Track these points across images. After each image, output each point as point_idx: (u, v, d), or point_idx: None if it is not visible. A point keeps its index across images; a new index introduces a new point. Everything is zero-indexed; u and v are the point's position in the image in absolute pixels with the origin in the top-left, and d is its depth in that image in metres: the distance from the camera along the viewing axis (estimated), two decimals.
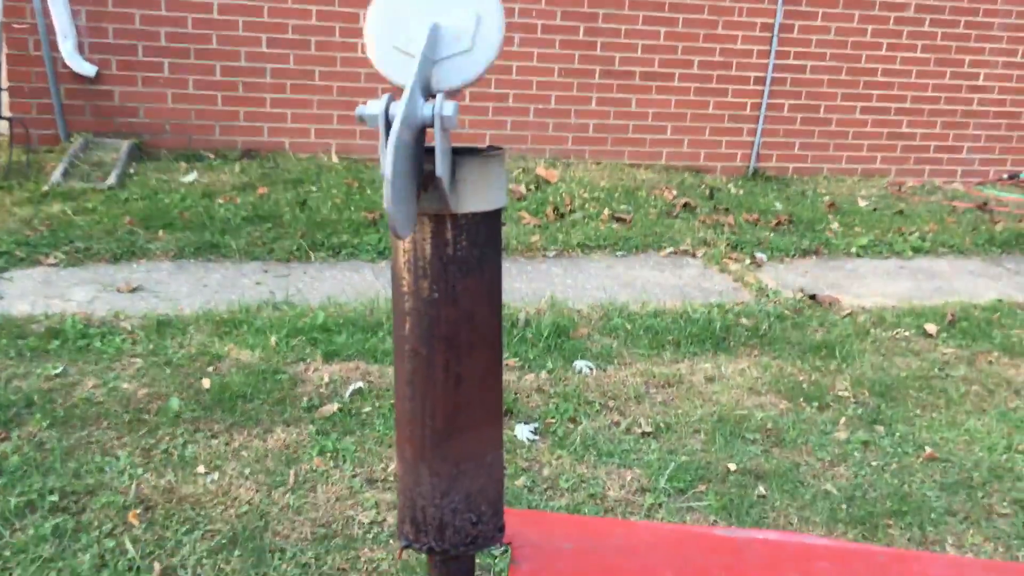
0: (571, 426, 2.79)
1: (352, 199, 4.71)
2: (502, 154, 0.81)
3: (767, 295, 4.04)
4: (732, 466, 2.64)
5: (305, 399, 2.77)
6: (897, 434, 2.91)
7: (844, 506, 2.49)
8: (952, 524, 2.46)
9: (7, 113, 4.93)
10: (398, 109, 0.67)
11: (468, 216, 0.78)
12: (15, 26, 4.97)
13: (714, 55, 5.95)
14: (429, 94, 0.77)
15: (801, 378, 3.25)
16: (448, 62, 0.77)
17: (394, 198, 0.64)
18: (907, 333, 3.72)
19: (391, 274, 0.82)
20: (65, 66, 5.09)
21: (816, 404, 3.07)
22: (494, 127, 5.74)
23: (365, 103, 0.72)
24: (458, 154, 0.77)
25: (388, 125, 0.72)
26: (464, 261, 0.78)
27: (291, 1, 5.28)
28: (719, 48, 5.93)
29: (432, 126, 0.72)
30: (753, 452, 2.74)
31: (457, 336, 0.79)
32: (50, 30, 5.00)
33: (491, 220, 0.80)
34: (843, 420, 2.98)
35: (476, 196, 0.78)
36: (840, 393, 3.15)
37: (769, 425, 2.90)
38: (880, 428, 2.94)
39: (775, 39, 5.95)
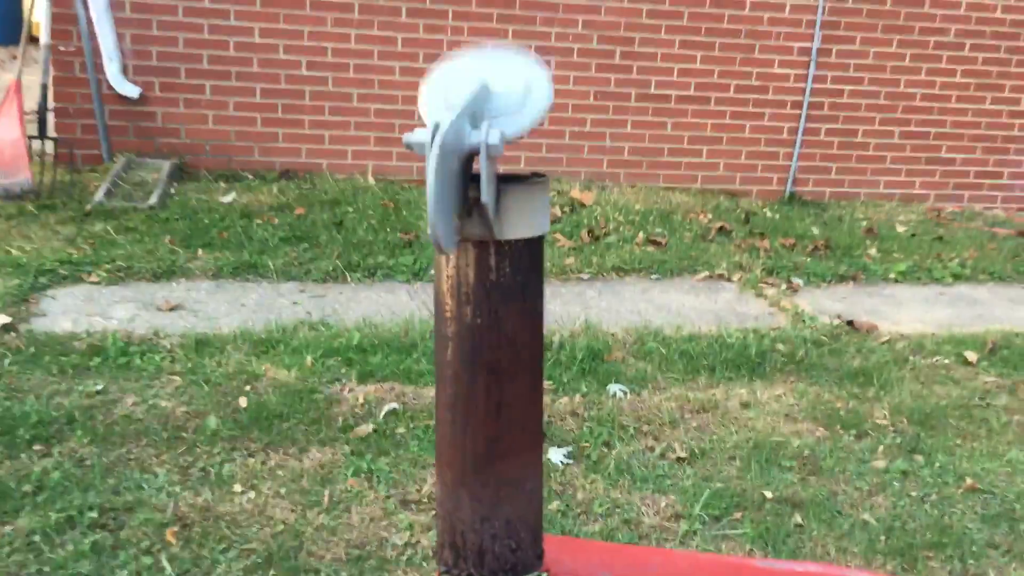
0: (605, 450, 2.78)
1: (388, 220, 4.75)
2: (546, 181, 0.82)
3: (803, 321, 4.00)
4: (768, 494, 2.62)
5: (340, 419, 2.79)
6: (937, 464, 2.87)
7: (883, 537, 2.46)
8: (994, 557, 2.42)
9: (52, 134, 5.03)
10: (440, 131, 0.68)
11: (511, 243, 0.79)
12: (61, 49, 5.09)
13: (751, 79, 5.94)
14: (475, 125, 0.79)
15: (838, 405, 3.22)
16: (497, 119, 0.80)
17: (435, 215, 0.66)
18: (947, 361, 3.67)
19: (434, 299, 0.83)
20: (110, 88, 5.19)
21: (854, 432, 3.03)
22: (529, 149, 5.77)
23: (410, 130, 0.74)
24: (503, 181, 0.79)
25: None
26: (507, 287, 0.79)
27: (331, 25, 5.36)
28: (756, 72, 5.93)
29: (478, 153, 0.74)
30: (789, 480, 2.71)
31: (499, 362, 0.80)
32: (96, 53, 5.11)
33: (534, 247, 0.81)
34: (881, 449, 2.94)
35: (519, 223, 0.79)
36: (878, 421, 3.12)
37: (806, 452, 2.87)
38: (919, 458, 2.90)
39: (813, 63, 5.93)
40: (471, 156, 0.74)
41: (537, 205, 0.80)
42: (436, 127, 0.68)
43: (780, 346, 3.66)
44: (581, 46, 5.68)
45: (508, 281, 0.78)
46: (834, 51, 5.97)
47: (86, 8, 5.03)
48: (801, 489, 2.67)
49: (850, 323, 3.99)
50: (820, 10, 5.83)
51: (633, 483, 2.62)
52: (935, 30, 6.05)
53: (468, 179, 0.76)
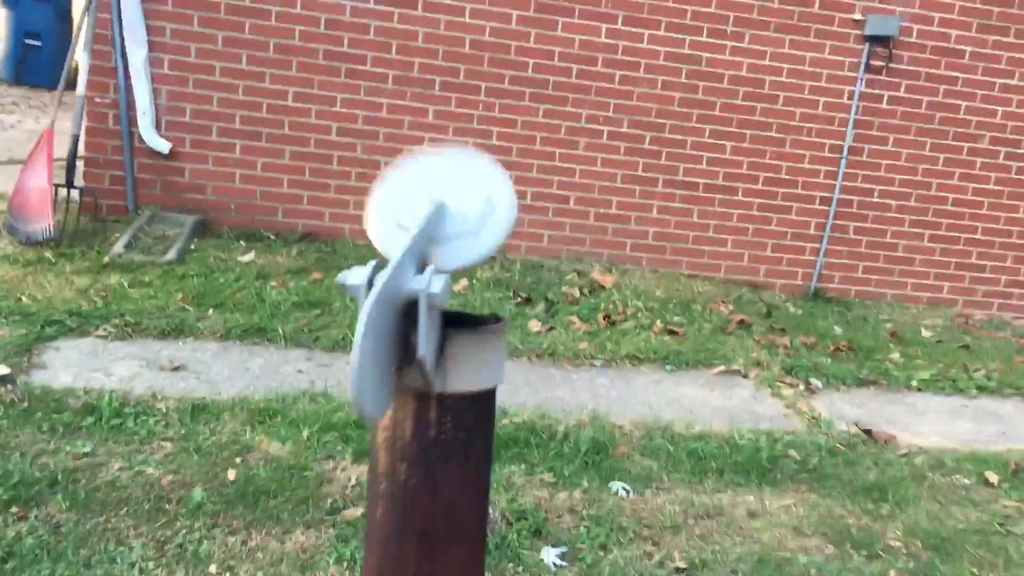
0: (601, 554, 2.67)
1: None
2: (500, 330, 0.75)
3: (819, 426, 3.87)
4: None
5: (329, 500, 2.70)
6: None
7: None
8: None
9: (80, 183, 5.07)
10: (379, 282, 0.61)
11: (455, 396, 0.71)
12: (97, 100, 5.16)
13: (780, 172, 5.90)
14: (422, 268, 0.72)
15: (850, 521, 3.08)
16: (451, 243, 0.73)
17: (359, 379, 0.58)
18: (966, 480, 3.52)
19: (369, 450, 0.75)
20: (141, 141, 5.24)
21: (865, 552, 2.89)
22: (553, 228, 5.74)
23: (350, 268, 0.67)
24: (451, 325, 0.72)
25: None
26: (447, 445, 0.71)
27: (363, 93, 5.40)
28: (785, 166, 5.89)
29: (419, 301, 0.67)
30: None
31: (434, 529, 0.72)
32: (131, 106, 5.17)
33: (482, 401, 0.73)
34: (893, 573, 2.79)
35: (466, 375, 0.71)
36: (891, 542, 2.97)
37: (812, 571, 2.73)
38: None
39: (844, 161, 5.88)
40: (410, 302, 0.67)
41: (488, 356, 0.72)
42: (374, 271, 0.62)
43: (793, 452, 3.53)
44: (611, 129, 5.68)
45: (449, 439, 0.70)
46: (866, 150, 5.93)
47: (125, 62, 5.11)
48: None
49: (868, 432, 3.85)
50: (854, 109, 5.80)
51: None
52: (970, 136, 6.00)
53: (407, 325, 0.69)
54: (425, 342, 0.65)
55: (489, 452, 0.74)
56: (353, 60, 5.37)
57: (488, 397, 0.74)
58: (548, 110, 5.59)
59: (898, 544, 2.97)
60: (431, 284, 0.65)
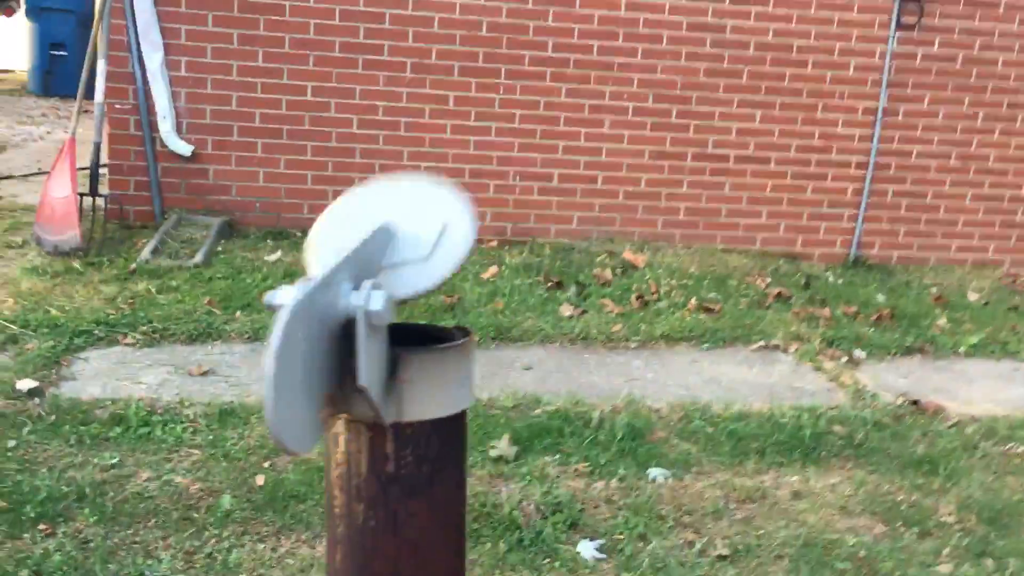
0: (640, 544, 2.59)
1: None
2: (467, 344, 0.66)
3: (864, 399, 3.75)
4: None
5: None
6: (1009, 570, 2.60)
7: None
8: None
9: (104, 190, 5.07)
10: (296, 295, 0.53)
11: (415, 425, 0.63)
12: (117, 107, 5.14)
13: (813, 139, 5.73)
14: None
15: (900, 498, 2.97)
16: (399, 270, 0.64)
17: (275, 409, 0.50)
18: (1021, 449, 3.38)
19: (325, 488, 0.67)
20: (163, 145, 5.22)
21: (916, 530, 2.78)
22: (582, 209, 5.63)
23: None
24: (406, 343, 0.63)
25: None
26: (409, 481, 0.62)
27: (383, 83, 5.33)
28: (818, 132, 5.72)
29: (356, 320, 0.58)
30: None
31: (399, 574, 0.64)
32: (151, 111, 5.15)
33: (448, 428, 0.65)
34: (947, 550, 2.68)
35: (425, 401, 0.62)
36: (944, 518, 2.86)
37: (862, 553, 2.63)
38: (989, 562, 2.64)
39: (878, 123, 5.70)
40: (346, 322, 0.59)
41: (452, 376, 0.64)
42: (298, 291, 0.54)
43: (837, 427, 3.42)
44: (636, 104, 5.55)
45: (411, 473, 0.62)
46: (901, 110, 5.73)
47: (142, 67, 5.09)
48: None
49: (915, 403, 3.72)
50: (886, 69, 5.61)
51: None
52: (1009, 90, 5.78)
53: (345, 350, 0.60)
54: (366, 368, 0.57)
55: (461, 483, 0.66)
56: (370, 51, 5.29)
57: (455, 422, 0.65)
58: (570, 89, 5.47)
59: (951, 519, 2.85)
60: (370, 300, 0.57)
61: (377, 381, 0.59)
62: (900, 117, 5.75)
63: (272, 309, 0.58)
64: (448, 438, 0.64)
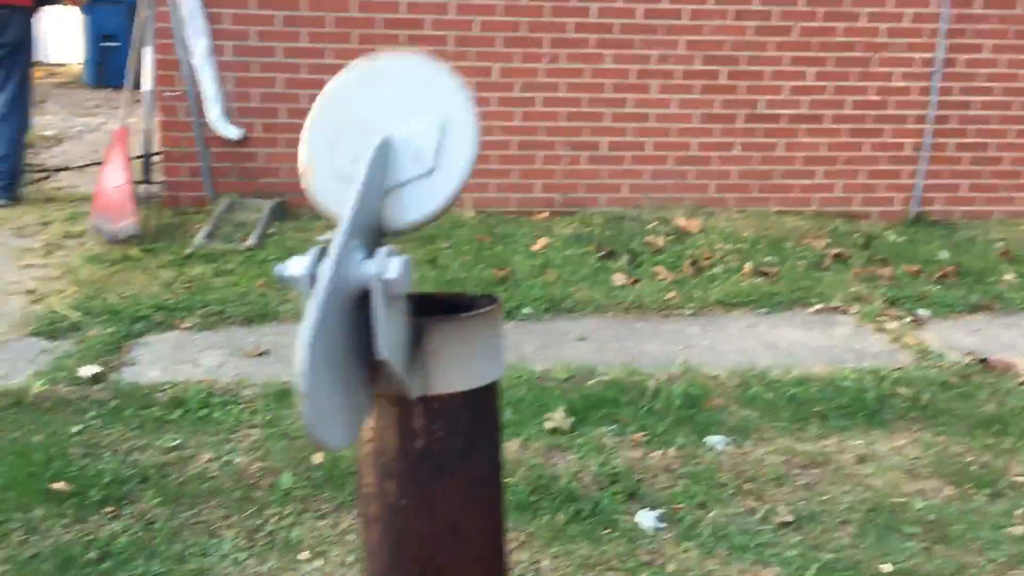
0: (700, 513, 2.55)
1: (483, 255, 4.63)
2: (494, 312, 0.62)
3: (929, 359, 3.65)
4: (887, 567, 2.33)
5: None
6: None
7: None
8: None
9: (157, 178, 5.13)
10: (323, 273, 0.50)
11: (444, 398, 0.59)
12: (166, 94, 5.20)
13: (868, 94, 5.56)
14: (376, 240, 0.59)
15: (969, 459, 2.88)
16: (404, 190, 0.60)
17: (312, 403, 0.47)
18: None
19: (357, 465, 0.64)
20: (213, 131, 5.27)
21: (987, 491, 2.70)
22: (631, 176, 5.56)
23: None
24: (431, 313, 0.60)
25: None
26: (440, 457, 0.59)
27: None
28: (874, 86, 5.55)
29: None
30: (912, 549, 2.42)
31: (436, 555, 0.61)
32: (199, 97, 5.20)
33: (479, 400, 0.61)
34: (1020, 511, 2.60)
35: (453, 372, 0.59)
36: (1015, 478, 2.77)
37: (931, 516, 2.56)
38: None
39: (937, 75, 5.51)
40: (364, 292, 0.56)
41: (480, 346, 0.60)
42: (316, 258, 0.51)
43: (902, 389, 3.33)
44: (684, 68, 5.44)
45: (442, 449, 0.59)
46: (960, 60, 5.53)
47: (189, 54, 5.13)
48: (925, 560, 2.37)
49: (983, 361, 3.60)
50: (944, 18, 5.41)
51: (731, 552, 2.38)
52: None
53: (363, 322, 0.57)
54: (386, 340, 0.53)
55: (496, 458, 0.62)
56: (412, 25, 5.26)
57: (486, 394, 0.62)
58: (615, 55, 5.38)
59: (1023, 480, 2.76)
60: (386, 269, 0.54)
61: (399, 353, 0.56)
62: (959, 67, 5.55)
63: (283, 283, 0.55)
64: (480, 411, 0.61)
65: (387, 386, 0.59)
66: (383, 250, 0.56)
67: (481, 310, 0.62)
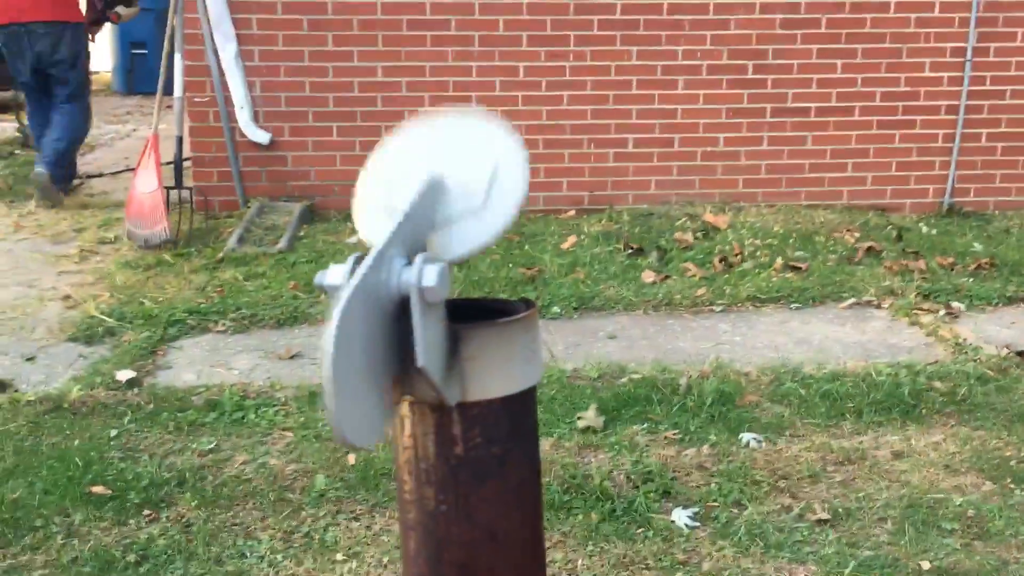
0: (735, 511, 2.54)
1: (511, 254, 4.63)
2: (531, 317, 0.62)
3: (965, 352, 3.60)
4: (926, 564, 2.31)
5: None
6: None
7: None
8: None
9: (189, 183, 5.19)
10: (349, 276, 0.51)
11: (482, 404, 0.60)
12: (196, 100, 5.25)
13: (899, 85, 5.50)
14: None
15: (1008, 453, 2.84)
16: (454, 225, 0.61)
17: (337, 402, 0.48)
18: None
19: (394, 471, 0.65)
20: (242, 135, 5.32)
21: None
22: (659, 173, 5.54)
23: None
24: (466, 319, 0.60)
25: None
26: (479, 464, 0.59)
27: (452, 59, 5.31)
28: (904, 77, 5.49)
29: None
30: (951, 546, 2.39)
31: (475, 561, 0.61)
32: (228, 102, 5.25)
33: (517, 406, 0.61)
34: None
35: (490, 379, 0.59)
36: None
37: (970, 512, 2.53)
38: None
39: (968, 64, 5.44)
40: (401, 301, 0.56)
41: (517, 351, 0.60)
42: (355, 266, 0.52)
43: (938, 384, 3.29)
44: (710, 63, 5.41)
45: (481, 455, 0.59)
46: (992, 49, 5.46)
47: (217, 59, 5.18)
48: (965, 557, 2.34)
49: (1020, 353, 3.55)
50: (974, 6, 5.34)
51: (767, 550, 2.37)
52: None
53: (402, 329, 0.58)
54: (424, 347, 0.54)
55: (535, 464, 0.63)
56: (437, 26, 5.28)
57: (524, 400, 0.62)
58: (641, 51, 5.36)
59: None
60: (423, 276, 0.54)
61: (437, 360, 0.56)
62: (991, 56, 5.47)
63: (323, 291, 0.56)
64: (518, 417, 0.61)
65: (425, 394, 0.59)
66: (420, 257, 0.56)
67: (518, 315, 0.62)
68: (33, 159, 6.15)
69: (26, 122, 6.79)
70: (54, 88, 5.69)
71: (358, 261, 0.56)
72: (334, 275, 0.56)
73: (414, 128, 0.69)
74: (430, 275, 0.55)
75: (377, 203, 0.64)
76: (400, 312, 0.56)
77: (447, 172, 0.63)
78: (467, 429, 0.60)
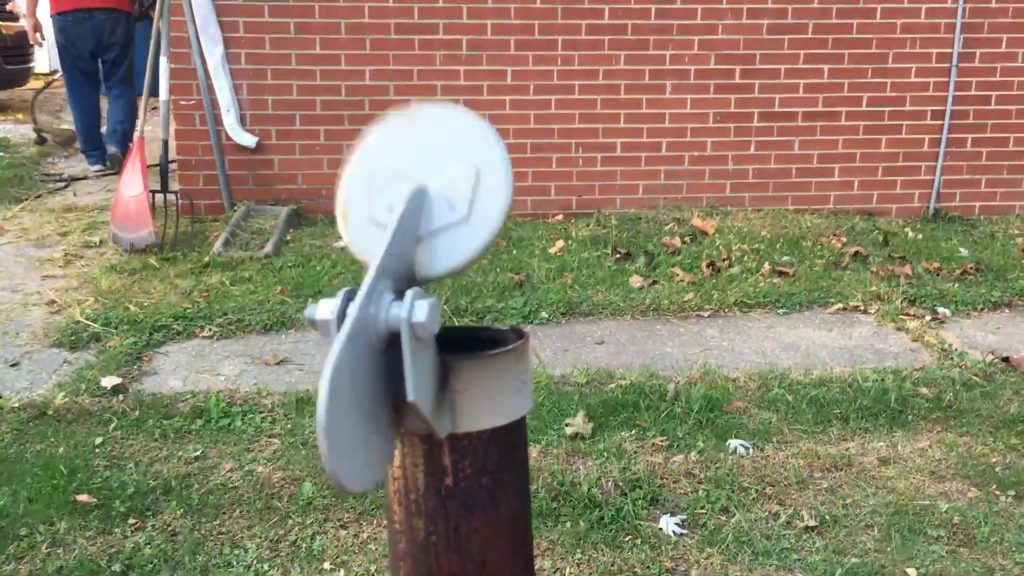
0: (723, 518, 2.54)
1: (499, 259, 4.63)
2: (522, 347, 0.62)
3: (951, 358, 3.62)
4: (912, 571, 2.32)
5: None
6: None
7: None
8: None
9: (175, 186, 5.16)
10: (349, 315, 0.50)
11: (472, 436, 0.59)
12: (182, 103, 5.23)
13: (885, 90, 5.53)
14: (407, 286, 0.59)
15: (994, 460, 2.86)
16: (438, 238, 0.60)
17: (332, 445, 0.47)
18: None
19: (385, 501, 0.65)
20: (228, 138, 5.29)
21: (1013, 492, 2.68)
22: (647, 177, 5.54)
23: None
24: (455, 350, 0.59)
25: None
26: (469, 494, 0.59)
27: (439, 63, 5.31)
28: (890, 83, 5.51)
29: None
30: (937, 553, 2.40)
31: None
32: (214, 105, 5.23)
33: (507, 436, 0.61)
34: None
35: (481, 411, 0.59)
36: None
37: (956, 519, 2.54)
38: None
39: (954, 69, 5.47)
40: (390, 335, 0.56)
41: (507, 382, 0.60)
42: (345, 301, 0.51)
43: (924, 389, 3.31)
44: (698, 67, 5.42)
45: (471, 486, 0.59)
46: (977, 55, 5.49)
47: (203, 62, 5.16)
48: (951, 564, 2.35)
49: (1006, 359, 3.58)
50: (960, 12, 5.37)
51: (754, 557, 2.37)
52: None
53: (394, 362, 0.57)
54: (414, 383, 0.53)
55: (524, 493, 0.63)
56: (425, 30, 5.27)
57: (514, 430, 0.62)
58: (629, 56, 5.37)
59: None
60: (413, 312, 0.54)
61: (428, 394, 0.55)
62: (976, 62, 5.51)
63: (313, 325, 0.55)
64: (508, 448, 0.61)
65: (415, 426, 0.59)
66: (411, 292, 0.56)
67: (509, 347, 0.62)
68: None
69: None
70: (108, 71, 6.41)
71: (348, 297, 0.55)
72: (323, 310, 0.55)
73: (392, 122, 0.68)
74: (421, 311, 0.54)
75: (360, 214, 0.63)
76: (388, 346, 0.56)
77: (429, 180, 0.62)
78: (457, 460, 0.59)
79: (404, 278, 0.60)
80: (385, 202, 0.62)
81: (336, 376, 0.49)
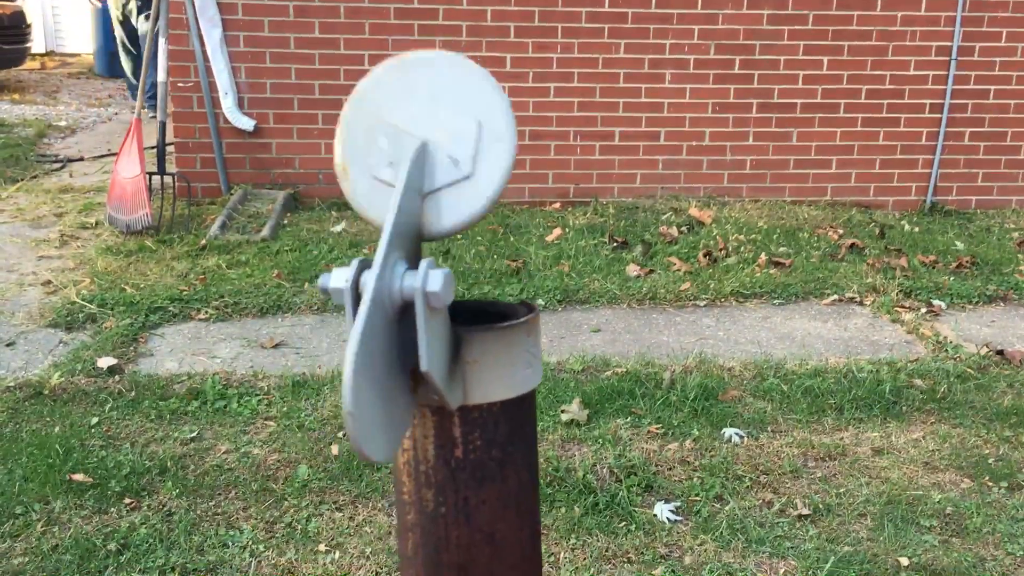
0: (717, 505, 2.55)
1: (496, 246, 4.63)
2: (533, 321, 0.62)
3: (946, 350, 3.63)
4: (904, 560, 2.33)
5: None
6: None
7: None
8: None
9: (172, 169, 5.15)
10: (367, 285, 0.50)
11: (482, 408, 0.59)
12: (180, 85, 5.21)
13: (884, 83, 5.53)
14: (416, 246, 0.59)
15: (987, 451, 2.87)
16: (443, 195, 0.59)
17: (358, 415, 0.47)
18: None
19: (393, 472, 0.65)
20: (226, 121, 5.27)
21: (1005, 484, 2.69)
22: (645, 166, 5.54)
23: (331, 268, 0.56)
24: (467, 323, 0.60)
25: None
26: (479, 466, 0.59)
27: (438, 48, 5.27)
28: (889, 75, 5.51)
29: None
30: (929, 542, 2.41)
31: (473, 563, 0.61)
32: (212, 88, 5.20)
33: (517, 409, 0.61)
34: None
35: (492, 383, 0.59)
36: None
37: (948, 509, 2.56)
38: None
39: (953, 63, 5.47)
40: (405, 304, 0.56)
41: (519, 355, 0.60)
42: (359, 269, 0.51)
43: (918, 381, 3.32)
44: (697, 57, 5.41)
45: (481, 458, 0.59)
46: (977, 49, 5.49)
47: (202, 44, 5.13)
48: (943, 554, 2.36)
49: (1000, 352, 3.59)
50: (960, 5, 5.37)
51: (748, 545, 2.38)
52: None
53: (408, 331, 0.57)
54: (428, 353, 0.53)
55: (533, 466, 0.63)
56: (425, 15, 5.25)
57: (524, 403, 0.62)
58: (629, 44, 5.36)
59: None
60: (428, 281, 0.54)
61: (441, 365, 0.56)
62: (976, 56, 5.51)
63: (326, 294, 0.55)
64: (517, 420, 0.61)
65: (428, 398, 0.59)
66: (425, 262, 0.56)
67: (521, 319, 0.62)
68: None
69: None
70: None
71: (361, 265, 0.55)
72: (337, 278, 0.55)
73: (386, 72, 0.66)
74: (435, 280, 0.54)
75: (361, 169, 0.62)
76: (401, 316, 0.56)
77: (429, 135, 0.60)
78: (467, 432, 0.59)
79: (412, 239, 0.59)
80: (385, 159, 0.61)
81: (363, 344, 0.49)
